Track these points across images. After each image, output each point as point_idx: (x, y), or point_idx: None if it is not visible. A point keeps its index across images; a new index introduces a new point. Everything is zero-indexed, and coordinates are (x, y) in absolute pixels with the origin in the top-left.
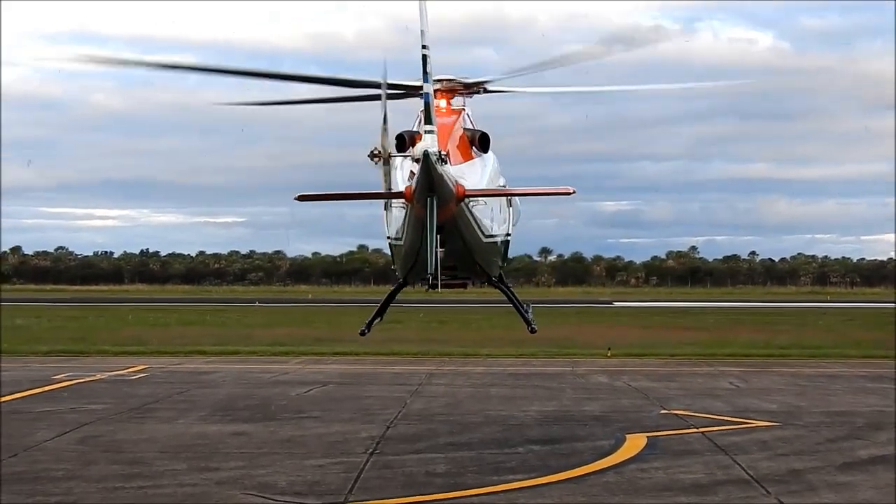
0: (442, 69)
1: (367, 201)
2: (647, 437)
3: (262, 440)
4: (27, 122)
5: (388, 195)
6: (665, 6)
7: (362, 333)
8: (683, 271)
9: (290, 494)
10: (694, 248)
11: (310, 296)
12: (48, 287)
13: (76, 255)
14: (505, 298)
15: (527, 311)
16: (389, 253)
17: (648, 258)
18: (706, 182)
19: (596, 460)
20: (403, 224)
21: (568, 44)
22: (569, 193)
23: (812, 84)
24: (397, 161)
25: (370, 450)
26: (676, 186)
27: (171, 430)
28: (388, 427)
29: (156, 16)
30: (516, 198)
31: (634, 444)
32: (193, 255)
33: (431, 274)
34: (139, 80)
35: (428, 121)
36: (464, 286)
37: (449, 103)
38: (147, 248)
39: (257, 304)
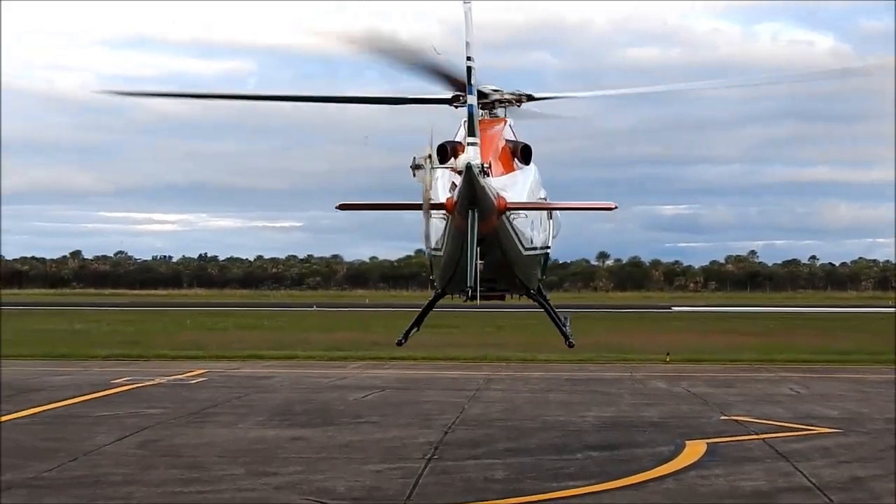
0: (499, 72)
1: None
2: (707, 443)
3: (320, 445)
4: (87, 126)
5: (430, 206)
6: (724, 7)
7: (399, 343)
8: (743, 276)
9: (349, 500)
10: (753, 252)
11: (367, 300)
12: (107, 291)
13: (135, 259)
14: (554, 305)
15: (564, 325)
16: (428, 263)
17: (707, 262)
18: (766, 185)
19: (655, 467)
20: (444, 235)
21: (625, 46)
22: (611, 209)
23: (873, 86)
24: (438, 172)
25: (428, 455)
26: (735, 190)
27: (230, 434)
28: (446, 432)
29: (212, 20)
30: (557, 211)
31: (694, 450)
32: (251, 259)
33: (471, 287)
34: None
35: (471, 132)
36: (502, 298)
37: (492, 114)
38: (205, 253)
39: (315, 308)
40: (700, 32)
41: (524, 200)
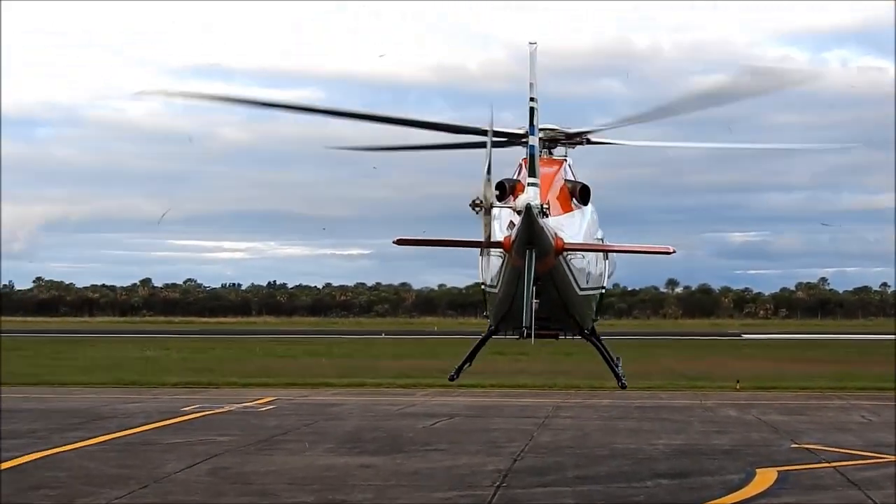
0: (566, 100)
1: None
2: (778, 471)
3: (389, 472)
4: (157, 155)
5: (488, 244)
6: (792, 34)
7: (451, 378)
8: (813, 303)
9: None
10: (824, 279)
11: (435, 327)
12: (177, 319)
13: (205, 287)
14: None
15: (617, 366)
16: (483, 297)
17: (777, 289)
18: (836, 212)
19: (725, 495)
20: (500, 272)
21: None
22: (668, 253)
23: None
24: (496, 210)
25: (497, 483)
26: (805, 217)
27: (299, 461)
28: (516, 460)
29: (279, 49)
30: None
31: (765, 478)
32: (320, 287)
33: (526, 326)
34: (265, 113)
35: (532, 173)
36: (556, 337)
37: (551, 153)
38: (274, 280)
39: (383, 335)
40: (769, 59)
41: (581, 241)
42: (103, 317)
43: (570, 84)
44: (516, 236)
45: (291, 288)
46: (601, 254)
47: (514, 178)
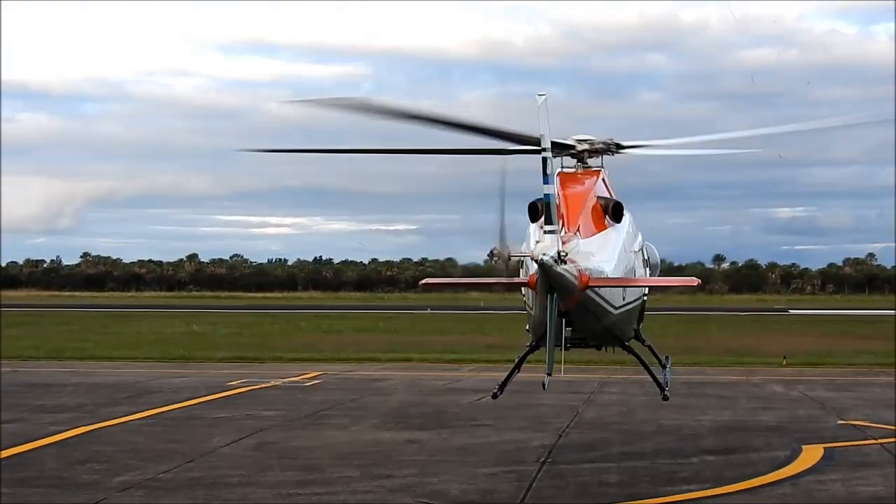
0: (614, 74)
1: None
2: (824, 448)
3: (434, 448)
4: (203, 131)
5: (513, 283)
6: (840, 7)
7: (494, 396)
8: (861, 279)
9: (463, 502)
10: (871, 255)
11: (482, 303)
12: (223, 294)
13: (251, 262)
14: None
15: (665, 366)
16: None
17: (824, 265)
18: (885, 187)
19: (771, 471)
20: (531, 298)
21: (741, 48)
22: (693, 286)
23: None
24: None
25: (542, 458)
26: (853, 192)
27: (345, 436)
28: (561, 436)
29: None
30: (654, 251)
31: (811, 455)
32: (366, 262)
33: (547, 374)
34: (312, 87)
35: (548, 220)
36: (598, 348)
37: (586, 163)
38: (320, 256)
39: (429, 311)
40: (817, 33)
41: (614, 264)
42: (150, 292)
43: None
44: (536, 281)
45: (337, 263)
46: (639, 263)
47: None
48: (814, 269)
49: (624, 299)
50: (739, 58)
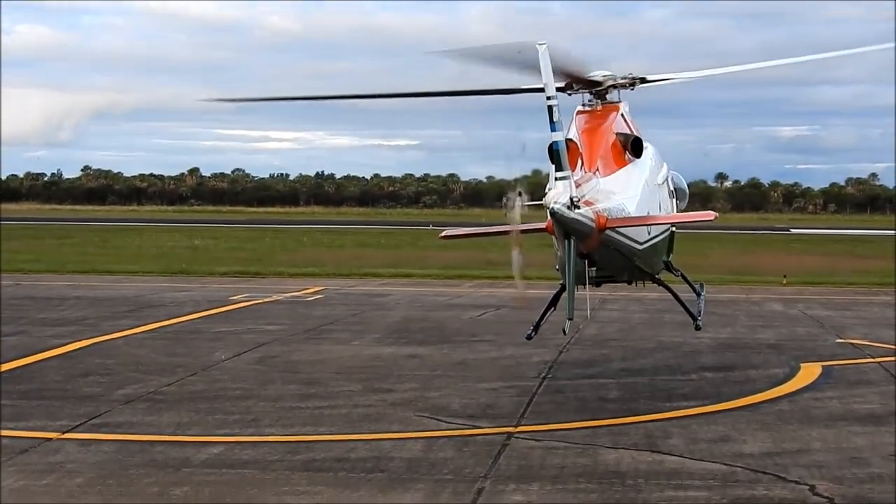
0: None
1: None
2: (822, 366)
3: (435, 363)
4: (204, 45)
5: (530, 230)
6: None
7: (528, 338)
8: (863, 198)
9: (464, 417)
10: (874, 174)
11: (483, 220)
12: (225, 209)
13: (253, 177)
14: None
15: (699, 297)
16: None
17: (827, 185)
18: (887, 107)
19: (769, 388)
20: (554, 241)
21: None
22: (710, 220)
23: None
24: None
25: (543, 374)
26: (857, 111)
27: (346, 351)
28: (561, 352)
29: None
30: (681, 180)
31: (809, 372)
32: (368, 177)
33: (569, 318)
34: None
35: (559, 167)
36: (629, 282)
37: (605, 98)
38: (322, 171)
39: (431, 226)
40: None
41: (637, 200)
42: (151, 206)
43: None
44: (554, 227)
45: (339, 178)
46: (664, 196)
47: (566, 135)
48: (816, 189)
49: (649, 233)
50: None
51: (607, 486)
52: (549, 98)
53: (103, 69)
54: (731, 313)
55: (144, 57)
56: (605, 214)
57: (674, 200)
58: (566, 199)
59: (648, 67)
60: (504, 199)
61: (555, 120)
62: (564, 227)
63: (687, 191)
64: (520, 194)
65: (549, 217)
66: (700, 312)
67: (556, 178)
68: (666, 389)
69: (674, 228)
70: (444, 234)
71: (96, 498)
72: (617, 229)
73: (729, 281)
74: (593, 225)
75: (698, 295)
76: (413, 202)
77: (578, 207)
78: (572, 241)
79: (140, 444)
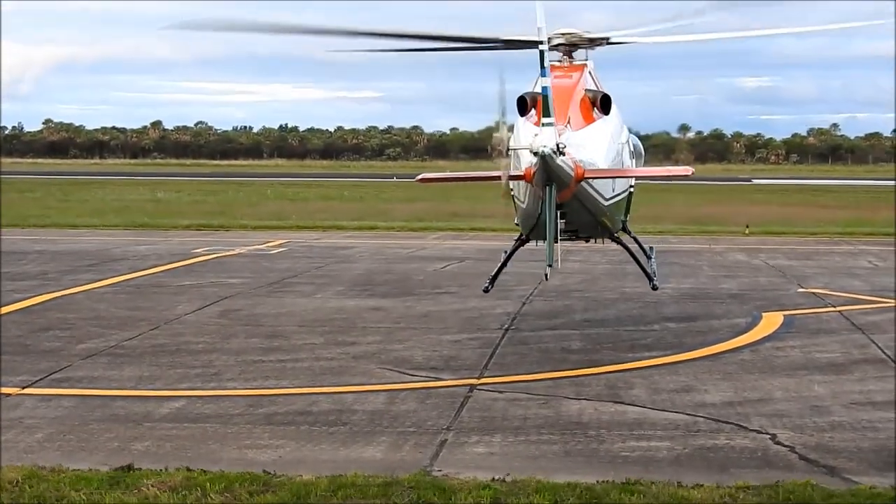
0: None
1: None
2: (784, 315)
3: (398, 315)
4: None
5: (509, 177)
6: None
7: (486, 290)
8: (824, 148)
9: (426, 369)
10: (835, 125)
11: (447, 171)
12: (188, 162)
13: (216, 129)
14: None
15: (650, 258)
16: (511, 199)
17: (789, 135)
18: (849, 59)
19: (732, 338)
20: (523, 191)
21: None
22: (687, 175)
23: None
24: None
25: (506, 325)
26: (818, 63)
27: (309, 304)
28: (524, 303)
29: None
30: (638, 142)
31: (771, 322)
32: (332, 130)
33: (549, 265)
34: None
35: (546, 113)
36: (586, 241)
37: (571, 57)
38: (286, 123)
39: (395, 179)
40: None
41: (604, 155)
42: (114, 159)
43: None
44: (534, 173)
45: (303, 131)
46: (626, 155)
47: (534, 89)
48: (778, 139)
49: (613, 191)
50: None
51: (570, 437)
52: (540, 43)
53: (64, 21)
54: (694, 263)
55: (104, 8)
56: (582, 165)
57: (633, 160)
58: (553, 145)
59: (614, 20)
60: (494, 145)
61: (545, 65)
62: (549, 173)
63: (643, 153)
64: (509, 139)
65: (526, 163)
66: (654, 273)
67: (542, 125)
68: (628, 340)
69: (632, 189)
70: (420, 177)
71: (56, 453)
72: (589, 181)
73: (692, 231)
74: (573, 174)
75: (649, 258)
76: (377, 155)
77: (563, 155)
78: (552, 189)
79: (101, 399)
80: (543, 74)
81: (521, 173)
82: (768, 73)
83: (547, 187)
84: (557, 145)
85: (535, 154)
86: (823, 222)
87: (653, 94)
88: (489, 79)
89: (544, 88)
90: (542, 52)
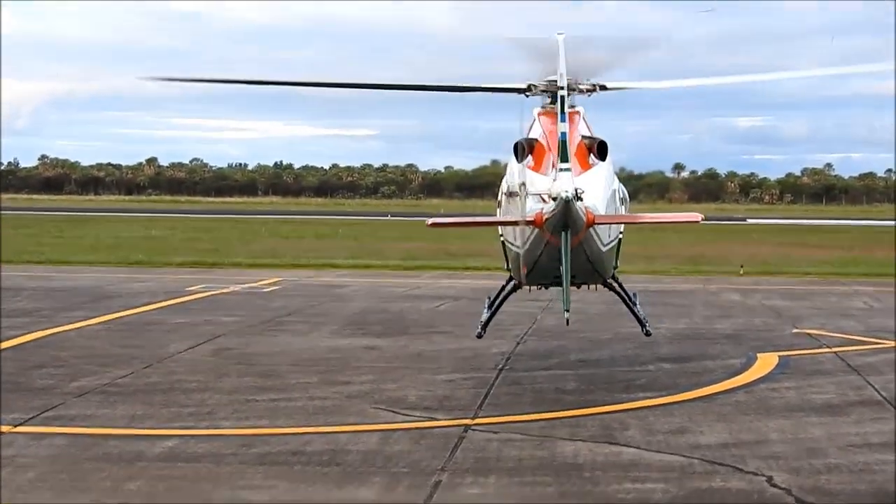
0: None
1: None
2: (779, 356)
3: (393, 355)
4: (163, 31)
5: (519, 222)
6: None
7: (479, 336)
8: (818, 188)
9: (420, 409)
10: (829, 165)
11: (442, 210)
12: (183, 198)
13: (211, 166)
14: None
15: (634, 304)
16: (501, 245)
17: (783, 175)
18: (843, 98)
19: (726, 379)
20: (525, 236)
21: None
22: (696, 221)
23: None
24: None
25: (500, 365)
26: (812, 102)
27: (303, 343)
28: (519, 343)
29: None
30: (622, 186)
31: (766, 363)
32: (327, 167)
33: (566, 310)
34: None
35: (563, 159)
36: (577, 287)
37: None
38: (281, 161)
39: (389, 217)
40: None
41: (601, 199)
42: (109, 195)
43: None
44: (551, 218)
45: (298, 168)
46: (618, 202)
47: (529, 135)
48: (772, 179)
49: (609, 237)
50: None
51: (565, 479)
52: (560, 89)
53: (61, 57)
54: (689, 303)
55: (104, 45)
56: (592, 211)
57: (623, 207)
58: (573, 190)
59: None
60: (503, 194)
61: (564, 111)
62: (568, 218)
63: (628, 199)
64: (522, 185)
65: (536, 209)
66: (645, 319)
67: (559, 170)
68: (623, 380)
69: (621, 235)
70: (431, 221)
71: (48, 493)
72: (594, 227)
73: (686, 271)
74: (585, 220)
75: (634, 304)
76: (372, 192)
77: (581, 199)
78: (568, 234)
79: (93, 438)
80: (562, 119)
81: (524, 218)
82: (762, 113)
83: (563, 233)
84: (576, 190)
85: (555, 199)
86: (818, 262)
87: (646, 133)
88: (484, 119)
89: (562, 134)
90: (562, 98)
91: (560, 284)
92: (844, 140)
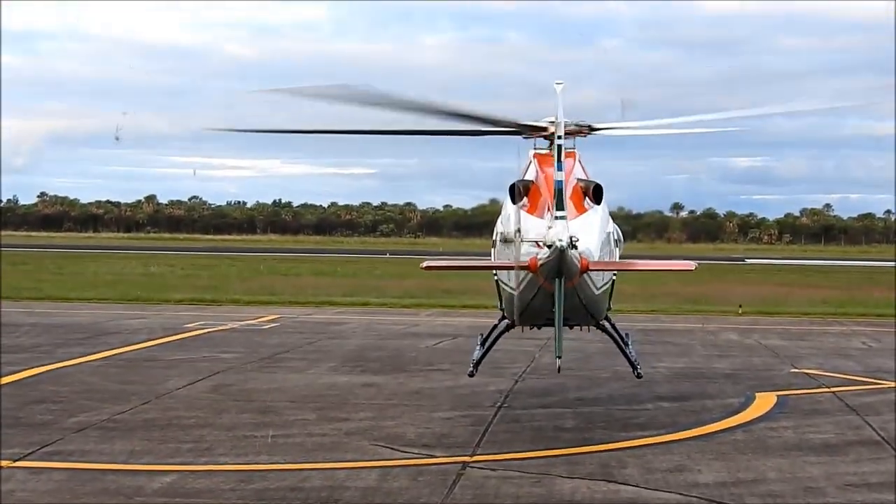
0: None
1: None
2: (777, 395)
3: (391, 392)
4: (160, 70)
5: (514, 266)
6: None
7: (471, 375)
8: (817, 229)
9: (419, 446)
10: (828, 205)
11: (441, 248)
12: (181, 236)
13: (209, 204)
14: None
15: (627, 345)
16: (495, 283)
17: (781, 215)
18: (841, 139)
19: (725, 418)
20: (519, 279)
21: None
22: (689, 270)
23: None
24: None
25: (498, 403)
26: (811, 142)
27: (302, 379)
28: (517, 381)
29: None
30: (617, 227)
31: (764, 402)
32: (325, 205)
33: (558, 356)
34: (270, 29)
35: (560, 206)
36: (570, 327)
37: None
38: (279, 199)
39: (388, 255)
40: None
41: (596, 245)
42: (108, 233)
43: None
44: (545, 265)
45: (296, 206)
46: (612, 245)
47: (525, 176)
48: (771, 219)
49: (603, 280)
50: (699, 5)
51: None
52: (558, 137)
53: (60, 95)
54: (687, 343)
55: (102, 82)
56: (586, 257)
57: (617, 249)
58: (567, 238)
59: (602, 96)
60: (499, 235)
61: (561, 160)
62: (563, 266)
63: (623, 240)
64: (518, 231)
65: (531, 254)
66: (637, 361)
67: (554, 217)
68: (621, 419)
69: (614, 277)
70: (426, 264)
71: None
72: (588, 272)
73: (685, 310)
74: (579, 266)
75: (626, 344)
76: (370, 230)
77: (575, 248)
78: (563, 280)
79: (92, 473)
80: (559, 168)
81: (518, 262)
82: (760, 153)
83: (557, 280)
84: (570, 238)
85: (549, 247)
86: (816, 302)
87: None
88: (482, 157)
89: (558, 182)
90: (559, 147)
91: (552, 325)
92: (843, 180)
